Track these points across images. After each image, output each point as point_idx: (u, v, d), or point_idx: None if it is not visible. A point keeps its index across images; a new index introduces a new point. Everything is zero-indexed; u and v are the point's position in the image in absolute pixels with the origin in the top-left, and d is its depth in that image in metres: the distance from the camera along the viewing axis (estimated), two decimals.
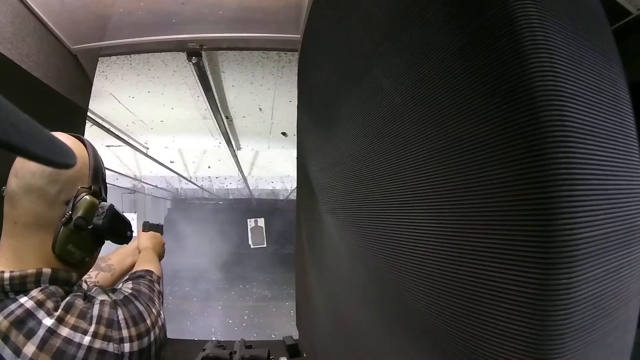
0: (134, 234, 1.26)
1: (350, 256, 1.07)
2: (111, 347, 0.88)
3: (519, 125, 0.46)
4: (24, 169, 0.93)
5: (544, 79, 0.45)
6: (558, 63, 0.46)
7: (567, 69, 0.47)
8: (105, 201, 1.06)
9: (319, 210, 1.45)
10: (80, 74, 2.52)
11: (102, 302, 0.95)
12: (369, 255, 0.87)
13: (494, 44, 0.49)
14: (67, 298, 0.93)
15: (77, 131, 2.57)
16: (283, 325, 7.49)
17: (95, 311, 0.92)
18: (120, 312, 0.96)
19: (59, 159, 0.41)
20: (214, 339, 2.27)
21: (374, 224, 0.84)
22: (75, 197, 0.97)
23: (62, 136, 0.99)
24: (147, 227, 1.90)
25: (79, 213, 0.96)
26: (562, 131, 0.44)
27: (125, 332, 0.92)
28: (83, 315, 0.90)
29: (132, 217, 10.04)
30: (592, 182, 0.45)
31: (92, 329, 0.88)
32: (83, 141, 1.07)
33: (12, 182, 0.94)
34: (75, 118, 2.51)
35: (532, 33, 0.47)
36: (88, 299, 0.97)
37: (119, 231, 1.10)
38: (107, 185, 1.14)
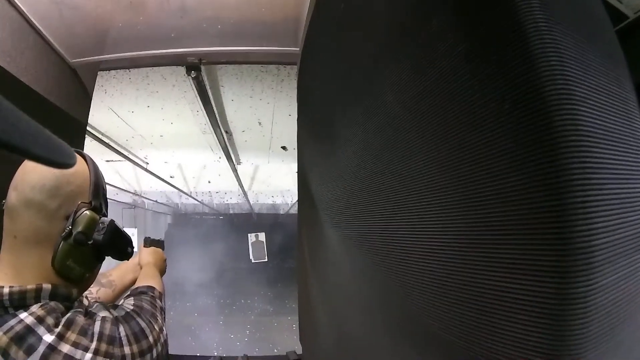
0: (135, 250, 1.24)
1: (354, 270, 1.05)
2: None
3: (531, 131, 0.44)
4: (24, 183, 0.92)
5: (554, 83, 0.44)
6: (567, 66, 0.45)
7: (577, 72, 0.45)
8: (106, 217, 1.05)
9: (321, 224, 1.44)
10: (80, 87, 2.52)
11: (103, 319, 0.93)
12: (374, 269, 0.85)
13: (502, 49, 0.48)
14: (68, 314, 0.91)
15: (77, 145, 2.56)
16: (285, 340, 7.44)
17: (97, 328, 0.90)
18: (122, 328, 0.94)
19: (59, 159, 0.42)
20: (215, 354, 2.25)
21: (379, 237, 0.83)
22: (76, 212, 0.96)
23: None
24: (149, 242, 1.88)
25: (79, 228, 0.95)
26: (575, 136, 0.42)
27: (127, 349, 0.91)
28: (84, 332, 0.88)
29: (132, 232, 10.04)
30: (606, 187, 0.44)
31: (93, 345, 0.87)
32: (84, 156, 1.06)
33: (12, 196, 0.93)
34: (74, 132, 2.50)
35: (540, 37, 0.45)
36: (89, 315, 0.95)
37: (120, 247, 1.09)
38: (108, 200, 1.13)
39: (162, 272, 1.79)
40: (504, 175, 0.48)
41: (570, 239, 0.42)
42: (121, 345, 0.91)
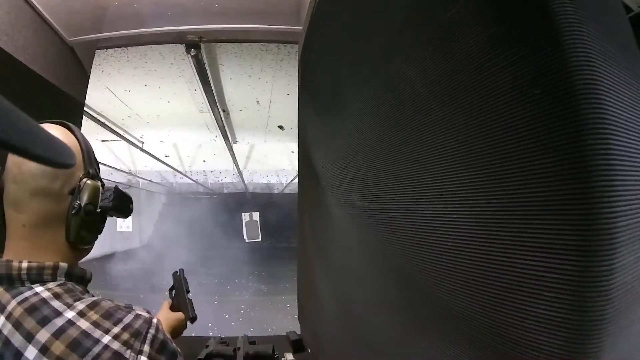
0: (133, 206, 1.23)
1: (367, 251, 1.06)
2: (128, 354, 0.87)
3: (560, 116, 0.46)
4: (23, 174, 0.92)
5: (582, 73, 0.45)
6: (593, 57, 0.46)
7: (601, 63, 0.47)
8: (101, 180, 1.06)
9: (327, 205, 1.44)
10: (77, 66, 2.49)
11: (138, 316, 0.94)
12: (391, 249, 0.86)
13: (533, 36, 0.49)
14: (94, 298, 0.92)
15: (74, 124, 2.55)
16: (279, 320, 7.48)
17: (128, 319, 0.91)
18: (152, 331, 0.94)
19: (59, 158, 0.41)
20: (211, 334, 2.24)
21: (398, 217, 0.83)
22: (79, 185, 0.97)
23: (47, 126, 0.98)
24: (176, 301, 1.67)
25: (86, 199, 0.97)
26: (600, 123, 0.44)
27: (146, 347, 0.91)
28: (108, 315, 0.89)
29: None
30: (629, 172, 0.46)
31: (115, 330, 0.87)
32: (69, 127, 1.05)
33: (13, 189, 0.93)
34: (71, 110, 2.48)
35: (571, 28, 0.47)
36: (128, 307, 0.96)
37: (125, 208, 1.11)
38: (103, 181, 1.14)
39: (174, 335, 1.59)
40: (532, 157, 0.49)
41: (595, 220, 0.43)
42: (143, 342, 0.91)
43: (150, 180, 10.89)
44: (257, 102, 4.12)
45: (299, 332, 2.30)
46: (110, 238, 11.19)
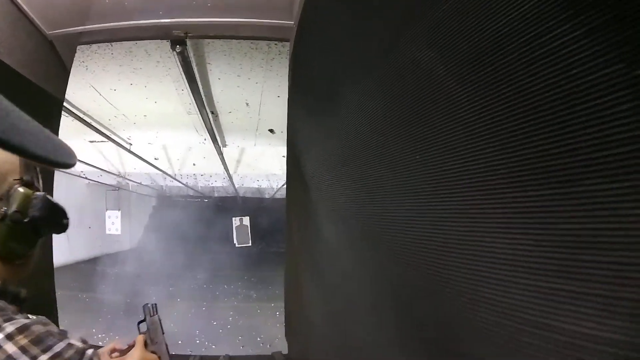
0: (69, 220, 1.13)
1: (363, 263, 0.96)
2: None
3: None
4: None
5: None
6: None
7: None
8: (40, 190, 0.98)
9: (316, 210, 1.35)
10: (57, 61, 2.38)
11: (70, 345, 0.86)
12: (394, 260, 0.76)
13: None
14: (26, 320, 0.83)
15: (53, 122, 2.43)
16: (268, 328, 7.38)
17: (58, 347, 0.83)
18: None
19: (59, 158, 0.41)
20: (197, 341, 2.14)
21: (411, 221, 0.73)
22: (8, 191, 0.90)
23: None
24: (150, 340, 1.49)
25: (14, 207, 0.90)
26: None
27: None
28: (38, 341, 0.80)
29: (116, 215, 9.91)
30: None
31: (43, 358, 0.79)
32: None
33: None
34: (49, 108, 2.36)
35: None
36: (62, 334, 0.88)
37: (55, 220, 1.03)
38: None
39: None
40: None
41: None
42: None
43: (140, 183, 10.79)
44: (247, 104, 4.01)
45: (285, 350, 2.19)
46: (99, 240, 11.05)
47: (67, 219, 1.08)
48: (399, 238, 0.76)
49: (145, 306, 1.63)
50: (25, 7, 2.00)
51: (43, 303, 2.42)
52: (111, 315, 7.20)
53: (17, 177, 0.93)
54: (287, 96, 2.19)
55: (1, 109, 0.35)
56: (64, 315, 6.22)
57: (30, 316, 0.89)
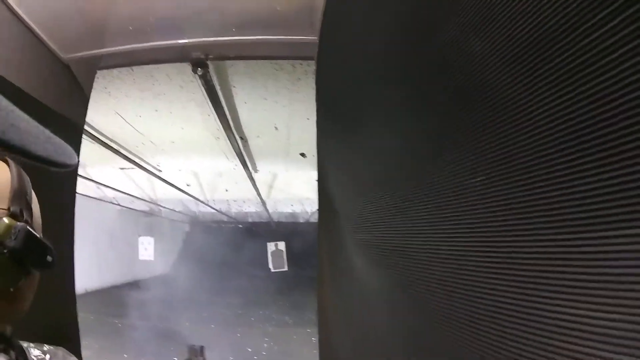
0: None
1: (382, 291, 0.88)
2: None
3: None
4: None
5: None
6: None
7: None
8: (29, 223, 0.89)
9: (346, 240, 1.25)
10: (75, 86, 2.31)
11: None
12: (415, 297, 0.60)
13: None
14: None
15: (72, 147, 2.35)
16: (304, 354, 7.28)
17: None
18: None
19: (59, 158, 0.45)
20: None
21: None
22: None
23: None
24: None
25: None
26: None
27: None
28: None
29: (149, 241, 10.00)
30: None
31: None
32: (5, 160, 0.88)
33: None
34: (69, 133, 2.26)
35: None
36: None
37: (37, 255, 0.92)
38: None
39: None
40: None
41: None
42: None
43: (172, 209, 10.87)
44: (276, 128, 3.89)
45: None
46: (131, 265, 11.14)
47: (53, 256, 1.00)
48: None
49: (191, 347, 1.52)
50: (38, 31, 1.94)
51: (64, 331, 2.33)
52: (142, 341, 7.15)
53: (5, 206, 0.84)
54: (315, 118, 2.07)
55: (1, 109, 0.35)
56: (95, 340, 6.19)
57: (46, 346, 0.87)
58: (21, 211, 0.87)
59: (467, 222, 0.54)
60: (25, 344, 0.91)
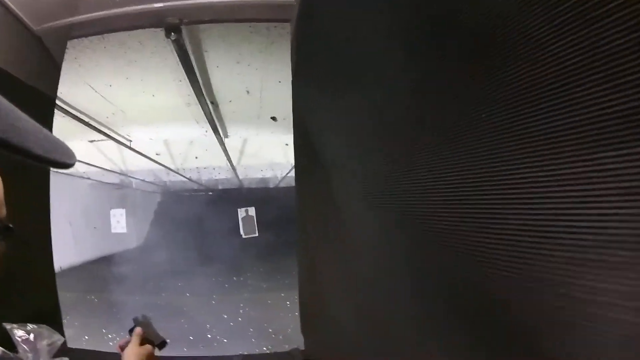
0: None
1: (414, 248, 0.83)
2: None
3: None
4: None
5: None
6: None
7: None
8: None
9: (344, 198, 1.23)
10: (46, 58, 2.26)
11: None
12: (452, 243, 0.65)
13: None
14: None
15: (46, 120, 2.32)
16: (280, 318, 7.33)
17: None
18: None
19: (58, 158, 0.41)
20: (209, 337, 2.06)
21: (464, 201, 0.62)
22: None
23: None
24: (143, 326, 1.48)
25: None
26: None
27: None
28: None
29: (120, 213, 9.87)
30: None
31: None
32: None
33: None
34: (41, 106, 2.24)
35: None
36: None
37: None
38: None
39: None
40: None
41: None
42: None
43: (143, 180, 10.71)
44: (247, 92, 3.88)
45: (301, 345, 2.09)
46: (105, 240, 10.99)
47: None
48: (445, 222, 0.65)
49: (135, 319, 1.56)
50: (8, 2, 1.88)
51: (46, 309, 2.33)
52: (120, 315, 7.14)
53: None
54: (289, 81, 2.07)
55: (1, 109, 0.35)
56: (74, 318, 6.16)
57: (30, 326, 0.88)
58: None
59: (470, 156, 0.59)
60: (8, 326, 0.92)
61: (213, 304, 9.06)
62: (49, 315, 2.33)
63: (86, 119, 4.36)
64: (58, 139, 0.43)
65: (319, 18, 1.36)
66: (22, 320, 0.94)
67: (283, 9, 1.92)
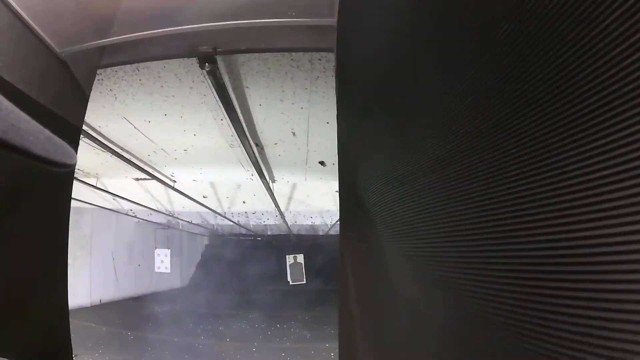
0: None
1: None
2: None
3: None
4: None
5: None
6: None
7: None
8: None
9: (377, 245, 1.13)
10: (72, 84, 2.12)
11: None
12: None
13: None
14: None
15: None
16: None
17: None
18: None
19: (60, 158, 0.44)
20: None
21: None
22: None
23: None
24: None
25: None
26: None
27: None
28: None
29: (165, 253, 9.97)
30: None
31: None
32: None
33: None
34: (65, 134, 2.06)
35: None
36: None
37: None
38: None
39: None
40: None
41: None
42: None
43: (190, 222, 10.75)
44: (293, 134, 3.66)
45: None
46: (147, 278, 11.04)
47: None
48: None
49: None
50: (31, 22, 1.78)
51: (53, 344, 2.15)
52: (154, 355, 6.99)
53: None
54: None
55: (1, 109, 0.35)
56: (105, 352, 6.04)
57: None
58: None
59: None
60: None
61: (253, 350, 8.86)
62: (59, 350, 2.19)
63: (127, 156, 4.24)
64: (59, 140, 0.43)
65: (356, 47, 1.13)
66: (30, 353, 0.88)
67: (326, 34, 1.67)
